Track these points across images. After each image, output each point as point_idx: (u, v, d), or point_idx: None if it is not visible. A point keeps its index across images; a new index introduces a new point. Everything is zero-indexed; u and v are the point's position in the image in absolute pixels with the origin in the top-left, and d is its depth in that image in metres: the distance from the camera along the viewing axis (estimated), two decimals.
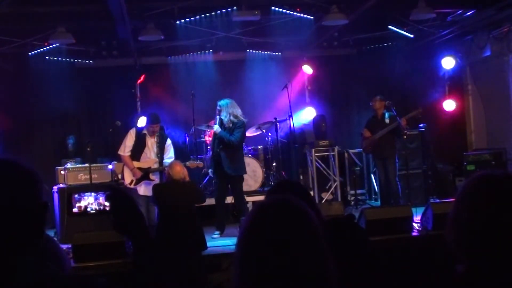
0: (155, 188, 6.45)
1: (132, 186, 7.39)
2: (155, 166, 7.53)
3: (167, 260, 5.36)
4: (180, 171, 6.30)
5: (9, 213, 1.43)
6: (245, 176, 8.89)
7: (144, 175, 7.44)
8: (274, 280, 1.36)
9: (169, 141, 7.80)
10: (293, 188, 2.69)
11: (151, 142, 7.58)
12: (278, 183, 3.56)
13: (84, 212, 7.81)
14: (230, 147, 7.65)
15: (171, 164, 6.49)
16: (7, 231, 1.42)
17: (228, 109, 7.69)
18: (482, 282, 1.55)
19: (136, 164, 7.47)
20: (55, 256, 1.81)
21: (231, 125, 7.66)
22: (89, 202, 7.87)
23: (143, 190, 7.44)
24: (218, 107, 7.81)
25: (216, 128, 7.72)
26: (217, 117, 7.82)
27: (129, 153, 7.50)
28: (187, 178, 6.38)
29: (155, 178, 7.55)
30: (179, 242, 5.87)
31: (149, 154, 7.55)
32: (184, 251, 5.88)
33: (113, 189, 1.81)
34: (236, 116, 7.69)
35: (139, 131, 7.65)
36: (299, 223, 1.45)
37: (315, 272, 1.39)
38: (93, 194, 7.88)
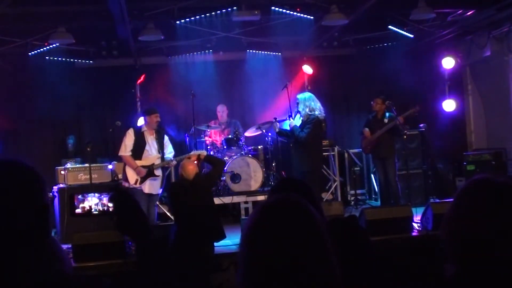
0: (170, 189, 6.52)
1: (137, 185, 7.39)
2: (158, 162, 7.55)
3: (183, 260, 5.45)
4: (193, 170, 6.36)
5: (13, 212, 1.43)
6: (245, 176, 8.94)
7: (148, 172, 7.46)
8: (279, 280, 1.36)
9: (166, 137, 7.88)
10: (297, 186, 2.69)
11: (150, 139, 7.60)
12: (281, 181, 3.56)
13: (87, 213, 7.79)
14: (298, 143, 7.75)
15: (182, 166, 6.50)
16: (11, 231, 1.42)
17: (305, 102, 7.79)
18: (471, 285, 1.55)
19: (138, 162, 7.46)
20: (56, 256, 1.81)
21: (305, 119, 7.75)
22: (93, 203, 7.87)
23: (148, 187, 7.46)
24: (296, 100, 7.93)
25: (291, 121, 7.84)
26: (295, 110, 7.95)
27: (130, 153, 7.50)
28: (197, 171, 6.46)
29: (160, 174, 7.60)
30: (199, 239, 5.98)
31: (151, 151, 7.57)
32: (202, 247, 5.99)
33: (117, 190, 1.81)
34: (312, 110, 7.73)
35: (137, 131, 7.66)
36: (302, 221, 1.45)
37: (319, 271, 1.39)
38: (96, 194, 7.87)
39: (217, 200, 7.90)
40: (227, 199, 8.80)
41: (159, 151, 7.61)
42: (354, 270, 2.18)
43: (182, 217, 6.17)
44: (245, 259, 1.43)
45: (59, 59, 9.73)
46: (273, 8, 8.16)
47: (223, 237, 6.38)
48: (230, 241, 6.67)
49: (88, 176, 8.03)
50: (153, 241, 1.79)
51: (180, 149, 9.23)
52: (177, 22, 8.36)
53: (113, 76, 10.40)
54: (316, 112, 7.74)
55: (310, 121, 7.70)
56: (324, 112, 7.98)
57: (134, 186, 7.38)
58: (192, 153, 7.48)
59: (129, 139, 7.54)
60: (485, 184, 1.64)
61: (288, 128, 8.05)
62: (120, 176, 8.03)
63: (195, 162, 6.93)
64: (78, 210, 7.79)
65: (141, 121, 8.45)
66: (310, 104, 7.76)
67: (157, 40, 8.94)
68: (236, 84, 10.73)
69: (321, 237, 1.44)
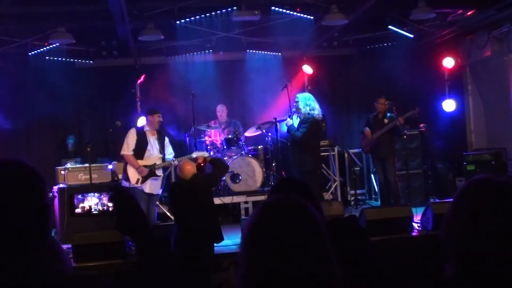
0: (170, 189, 6.53)
1: (139, 184, 7.39)
2: (159, 162, 7.56)
3: (183, 260, 5.45)
4: (190, 170, 6.34)
5: (13, 212, 1.43)
6: (245, 176, 8.94)
7: (150, 172, 7.46)
8: (279, 280, 1.36)
9: (167, 139, 7.90)
10: (297, 186, 2.69)
11: (152, 139, 7.61)
12: (281, 181, 3.56)
13: (87, 213, 7.79)
14: (295, 142, 7.86)
15: (180, 166, 6.50)
16: (12, 231, 1.42)
17: (306, 101, 7.88)
18: (471, 285, 1.55)
19: (140, 162, 7.46)
20: (56, 256, 1.81)
21: (303, 117, 7.83)
22: (93, 203, 7.86)
23: (149, 187, 7.46)
24: (296, 99, 8.00)
25: (288, 120, 7.93)
26: (293, 109, 8.04)
27: (132, 152, 7.50)
28: (195, 171, 6.45)
29: (161, 174, 7.62)
30: (198, 240, 5.98)
31: (152, 151, 7.58)
32: (201, 247, 5.99)
33: (117, 190, 1.80)
34: (312, 109, 7.81)
35: (139, 130, 7.67)
36: (302, 221, 1.45)
37: (319, 271, 1.39)
38: (96, 194, 7.86)
39: (217, 200, 7.90)
40: (227, 199, 8.80)
41: (160, 151, 7.62)
42: (354, 270, 2.18)
43: (182, 217, 6.17)
44: (245, 259, 1.43)
45: (59, 59, 9.73)
46: (273, 8, 8.17)
47: (221, 239, 6.35)
48: (230, 241, 6.67)
49: (88, 176, 8.02)
50: (153, 241, 1.79)
51: (180, 149, 9.23)
52: (177, 22, 8.37)
53: (113, 76, 10.40)
54: (315, 112, 7.79)
55: (306, 120, 7.77)
56: (322, 113, 8.08)
57: (135, 185, 7.38)
58: (195, 154, 7.47)
59: (131, 138, 7.55)
60: (485, 184, 1.64)
61: (285, 128, 8.10)
62: (120, 176, 8.03)
63: (201, 164, 6.90)
64: (78, 210, 7.77)
65: (141, 121, 8.44)
66: (311, 103, 7.84)
67: (157, 40, 8.94)
68: (236, 84, 10.73)
69: (321, 237, 1.44)
